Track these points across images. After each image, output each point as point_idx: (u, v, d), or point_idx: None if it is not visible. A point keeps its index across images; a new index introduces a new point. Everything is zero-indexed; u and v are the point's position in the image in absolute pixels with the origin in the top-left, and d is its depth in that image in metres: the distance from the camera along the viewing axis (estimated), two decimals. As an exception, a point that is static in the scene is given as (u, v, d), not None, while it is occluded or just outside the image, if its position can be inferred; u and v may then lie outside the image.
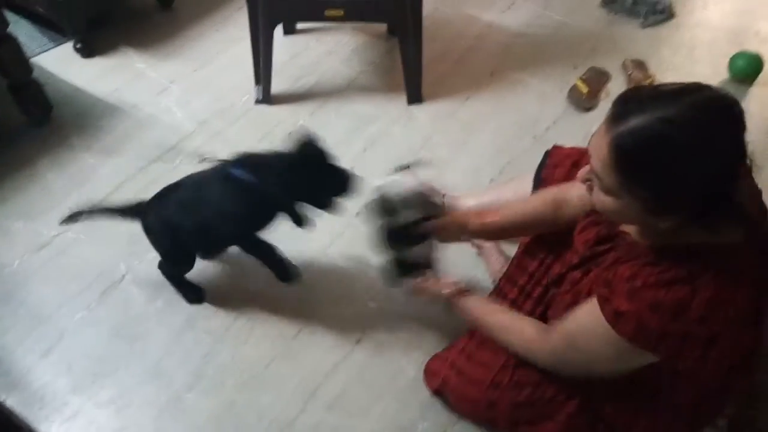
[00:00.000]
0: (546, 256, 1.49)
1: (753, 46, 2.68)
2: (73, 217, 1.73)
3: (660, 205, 1.00)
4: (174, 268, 1.80)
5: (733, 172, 0.98)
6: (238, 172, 1.56)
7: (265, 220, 1.66)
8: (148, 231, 1.70)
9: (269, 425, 1.58)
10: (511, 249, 1.83)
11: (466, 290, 1.47)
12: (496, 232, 1.59)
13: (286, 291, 1.85)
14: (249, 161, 1.59)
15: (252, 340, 1.75)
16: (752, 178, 1.14)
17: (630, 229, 1.19)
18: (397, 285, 1.60)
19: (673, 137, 0.93)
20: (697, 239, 1.03)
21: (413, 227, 1.47)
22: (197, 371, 1.69)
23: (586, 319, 1.15)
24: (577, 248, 1.31)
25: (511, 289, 1.51)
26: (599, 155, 1.01)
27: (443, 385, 1.50)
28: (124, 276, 1.89)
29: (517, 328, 1.33)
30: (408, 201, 1.45)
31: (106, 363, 1.70)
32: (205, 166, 1.66)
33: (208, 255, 1.85)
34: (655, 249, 1.08)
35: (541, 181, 1.65)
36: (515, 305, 1.46)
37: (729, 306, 1.00)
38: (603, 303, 1.10)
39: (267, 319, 1.80)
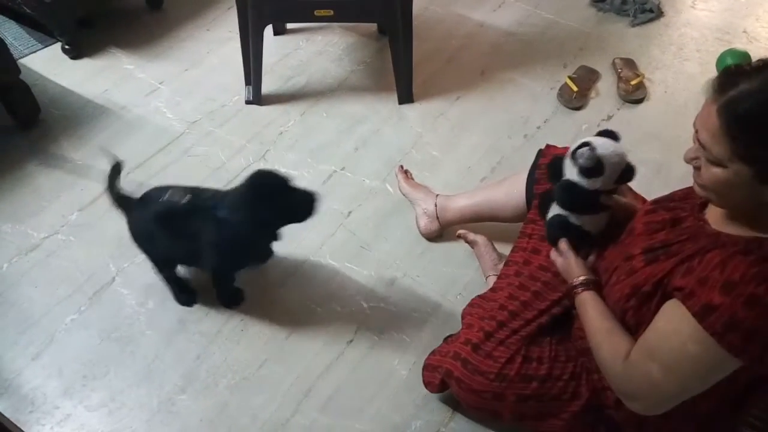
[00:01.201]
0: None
1: (741, 45, 2.71)
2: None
3: None
4: (158, 267, 1.80)
5: None
6: (223, 213, 1.57)
7: (244, 255, 1.70)
8: (130, 228, 1.72)
9: (262, 426, 1.58)
10: (505, 247, 1.84)
11: (594, 284, 1.35)
12: None
13: (277, 292, 1.85)
14: (225, 200, 1.60)
15: (244, 342, 1.75)
16: None
17: (714, 218, 1.14)
18: (555, 244, 1.46)
19: None
20: None
21: (606, 196, 1.38)
22: (189, 373, 1.68)
23: (665, 322, 1.09)
24: (635, 229, 1.26)
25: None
26: (707, 125, 1.01)
27: (447, 376, 1.47)
28: (114, 278, 1.88)
29: (616, 338, 1.23)
30: (615, 168, 1.34)
31: (97, 366, 1.69)
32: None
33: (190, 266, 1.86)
34: (746, 239, 1.04)
35: (535, 181, 1.65)
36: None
37: None
38: (687, 296, 1.04)
39: (259, 320, 1.79)
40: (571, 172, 1.36)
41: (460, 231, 1.87)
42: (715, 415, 1.24)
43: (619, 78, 2.55)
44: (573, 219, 1.41)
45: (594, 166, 1.31)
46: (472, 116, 2.44)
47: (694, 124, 1.06)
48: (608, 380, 1.24)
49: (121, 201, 1.71)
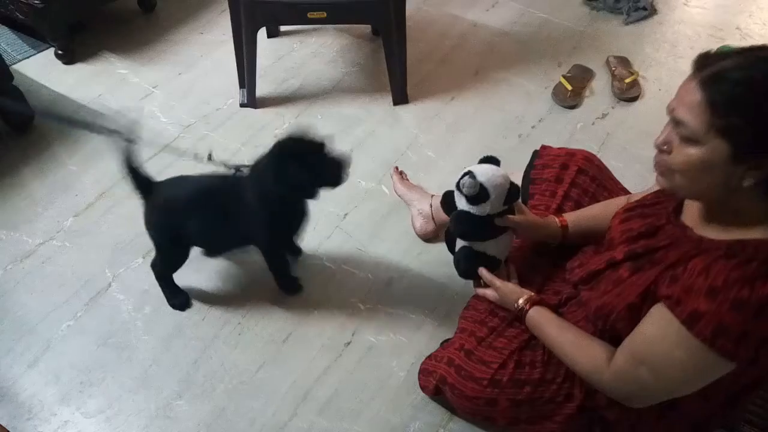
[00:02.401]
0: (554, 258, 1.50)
1: (735, 42, 2.71)
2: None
3: (752, 140, 0.97)
4: (165, 262, 1.77)
5: None
6: (257, 184, 1.56)
7: (282, 222, 1.67)
8: (150, 214, 1.66)
9: (260, 430, 1.58)
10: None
11: (538, 300, 1.39)
12: (574, 236, 1.51)
13: (274, 296, 1.84)
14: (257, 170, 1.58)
15: (241, 346, 1.74)
16: None
17: (693, 222, 1.13)
18: (468, 277, 1.53)
19: None
20: None
21: (499, 218, 1.42)
22: (187, 378, 1.67)
23: (652, 328, 1.09)
24: (614, 239, 1.26)
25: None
26: (686, 100, 1.00)
27: (441, 382, 1.48)
28: (110, 284, 1.88)
29: (587, 349, 1.24)
30: (500, 191, 1.39)
31: (94, 372, 1.69)
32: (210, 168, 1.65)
33: (213, 253, 1.86)
34: (728, 243, 1.03)
35: (530, 181, 1.65)
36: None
37: None
38: (674, 304, 1.04)
39: (256, 324, 1.79)
40: (460, 203, 1.42)
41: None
42: (710, 414, 1.24)
43: (614, 76, 2.55)
44: (477, 247, 1.47)
45: (478, 193, 1.36)
46: (467, 116, 2.44)
47: (668, 107, 1.05)
48: (597, 388, 1.25)
49: (141, 183, 1.63)
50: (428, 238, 1.97)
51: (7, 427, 1.53)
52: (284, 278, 1.84)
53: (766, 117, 0.95)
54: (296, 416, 1.60)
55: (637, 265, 1.16)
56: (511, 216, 1.43)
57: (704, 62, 1.01)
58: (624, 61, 2.61)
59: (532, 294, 1.39)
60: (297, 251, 1.94)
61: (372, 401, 1.63)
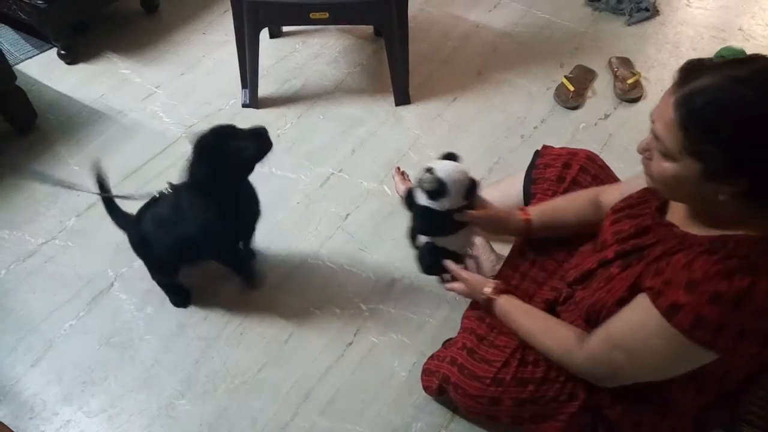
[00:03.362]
0: (549, 256, 1.50)
1: (737, 43, 2.71)
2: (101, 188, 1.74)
3: (722, 165, 0.98)
4: (161, 277, 1.81)
5: None
6: (186, 193, 1.57)
7: (230, 224, 1.66)
8: (131, 244, 1.74)
9: (262, 430, 1.58)
10: (503, 248, 1.84)
11: (505, 289, 1.41)
12: (539, 230, 1.52)
13: (276, 295, 1.85)
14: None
15: (243, 345, 1.74)
16: None
17: (679, 219, 1.15)
18: (432, 273, 1.57)
19: (743, 94, 0.94)
20: (756, 230, 1.02)
21: (459, 213, 1.44)
22: (189, 378, 1.68)
23: (632, 315, 1.11)
24: (606, 241, 1.27)
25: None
26: (663, 116, 1.02)
27: (444, 381, 1.48)
28: (112, 283, 1.88)
29: (556, 333, 1.28)
30: (458, 186, 1.41)
31: (97, 371, 1.69)
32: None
33: (188, 265, 1.84)
34: (710, 239, 1.05)
35: (532, 181, 1.65)
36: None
37: None
38: (655, 295, 1.06)
39: (258, 323, 1.79)
40: (421, 198, 1.43)
41: (458, 233, 1.87)
42: (710, 411, 1.25)
43: (616, 77, 2.55)
44: (439, 242, 1.50)
45: (438, 188, 1.38)
46: (469, 117, 2.44)
47: (651, 114, 1.06)
48: (569, 369, 1.28)
49: (120, 222, 1.76)
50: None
51: (9, 427, 1.54)
52: (244, 270, 1.84)
53: (735, 142, 0.96)
54: (298, 416, 1.60)
55: (627, 262, 1.18)
56: (470, 211, 1.45)
57: (684, 77, 1.01)
58: (626, 62, 2.61)
59: (498, 282, 1.41)
60: (251, 254, 1.91)
61: (374, 401, 1.63)
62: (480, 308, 1.51)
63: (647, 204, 1.24)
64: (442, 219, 1.44)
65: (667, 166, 1.04)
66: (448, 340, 1.59)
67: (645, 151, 1.09)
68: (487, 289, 1.40)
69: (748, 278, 0.97)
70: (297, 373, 1.69)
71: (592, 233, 1.39)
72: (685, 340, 1.02)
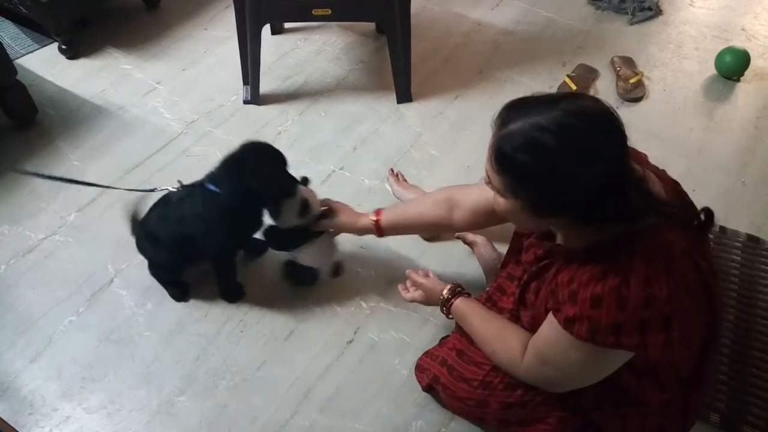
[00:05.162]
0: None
1: (740, 42, 2.70)
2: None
3: (540, 205, 1.05)
4: (165, 275, 1.82)
5: (612, 175, 1.01)
6: (211, 187, 1.59)
7: (242, 229, 1.70)
8: (138, 247, 1.77)
9: (262, 428, 1.57)
10: (505, 247, 1.84)
11: (464, 292, 1.46)
12: (389, 230, 1.65)
13: (276, 293, 1.84)
14: (212, 176, 1.62)
15: (243, 343, 1.74)
16: (650, 164, 1.19)
17: (560, 238, 1.22)
18: (302, 283, 1.82)
19: (543, 142, 0.99)
20: (619, 230, 1.05)
21: (306, 229, 1.65)
22: (188, 375, 1.67)
23: (548, 333, 1.16)
24: (525, 264, 1.32)
25: (500, 297, 1.51)
26: (489, 156, 1.08)
27: (434, 381, 1.49)
28: (112, 279, 1.87)
29: (505, 343, 1.31)
30: (287, 206, 1.58)
31: (96, 367, 1.69)
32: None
33: (190, 265, 1.85)
34: (584, 251, 1.09)
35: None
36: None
37: (667, 282, 1.00)
38: (555, 313, 1.12)
39: (258, 321, 1.79)
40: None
41: (458, 232, 1.87)
42: (687, 400, 1.26)
43: (618, 76, 2.54)
44: (297, 256, 1.72)
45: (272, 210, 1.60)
46: (471, 115, 2.43)
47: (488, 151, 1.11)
48: (515, 378, 1.32)
49: (133, 227, 1.77)
50: (430, 237, 1.97)
51: (8, 422, 1.54)
52: (227, 285, 1.83)
53: (548, 187, 1.02)
54: (298, 414, 1.60)
55: (537, 285, 1.24)
56: (326, 220, 1.66)
57: (503, 120, 1.06)
58: (628, 61, 2.60)
59: (456, 284, 1.47)
60: (260, 251, 1.94)
61: (374, 400, 1.63)
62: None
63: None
64: (289, 234, 1.65)
65: (500, 202, 1.12)
66: (444, 337, 1.60)
67: (488, 184, 1.14)
68: (446, 292, 1.46)
69: (618, 275, 1.01)
70: (297, 370, 1.68)
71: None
72: (594, 347, 1.06)
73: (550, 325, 1.15)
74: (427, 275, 1.56)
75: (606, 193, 1.00)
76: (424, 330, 1.76)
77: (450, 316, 1.48)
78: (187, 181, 1.68)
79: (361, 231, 1.68)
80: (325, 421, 1.59)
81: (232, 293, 1.83)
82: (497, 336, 1.34)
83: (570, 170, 1.00)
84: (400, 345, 1.73)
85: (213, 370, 1.68)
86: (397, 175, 2.11)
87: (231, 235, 1.67)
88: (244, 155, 1.59)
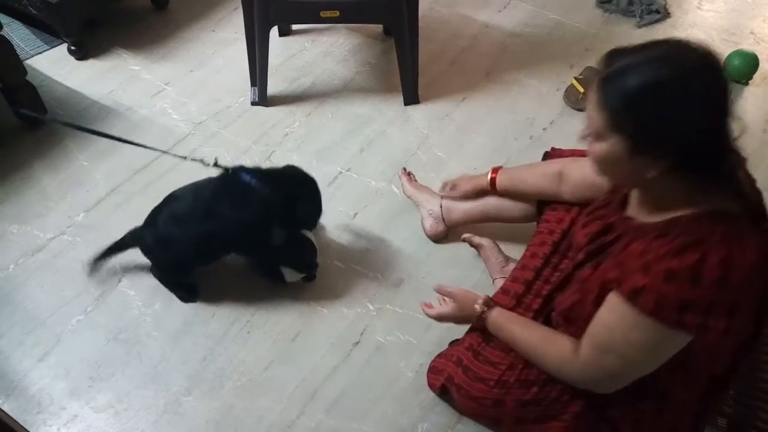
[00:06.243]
0: (551, 255, 1.51)
1: (748, 46, 2.70)
2: (94, 268, 1.85)
3: (643, 139, 1.03)
4: (172, 276, 1.83)
5: (717, 122, 1.01)
6: (247, 177, 1.63)
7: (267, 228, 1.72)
8: (148, 252, 1.78)
9: (268, 428, 1.58)
10: (511, 249, 1.84)
11: (496, 303, 1.42)
12: (502, 191, 1.75)
13: (283, 294, 1.85)
14: (254, 170, 1.69)
15: (250, 343, 1.74)
16: (745, 168, 1.16)
17: (635, 212, 1.19)
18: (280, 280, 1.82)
19: (657, 73, 0.99)
20: (700, 207, 1.05)
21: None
22: (195, 375, 1.68)
23: (607, 316, 1.13)
24: (580, 243, 1.29)
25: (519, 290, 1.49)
26: (591, 96, 1.07)
27: (448, 381, 1.48)
28: (120, 279, 1.88)
29: (553, 343, 1.28)
30: None
31: (104, 367, 1.69)
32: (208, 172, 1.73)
33: (206, 263, 1.85)
34: (662, 224, 1.08)
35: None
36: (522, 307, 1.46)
37: (741, 267, 0.99)
38: (618, 285, 1.09)
39: (265, 322, 1.79)
40: None
41: (465, 235, 1.87)
42: (706, 402, 1.25)
43: (626, 79, 2.54)
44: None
45: None
46: (478, 117, 2.43)
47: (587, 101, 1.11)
48: (566, 380, 1.28)
49: (127, 241, 1.80)
50: (438, 238, 1.97)
51: (17, 421, 1.54)
52: (276, 272, 1.83)
53: (654, 119, 1.01)
54: (304, 415, 1.60)
55: (596, 262, 1.22)
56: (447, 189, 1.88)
57: (608, 60, 1.06)
58: (636, 64, 2.60)
59: (487, 296, 1.44)
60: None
61: (380, 401, 1.63)
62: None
63: (611, 204, 1.28)
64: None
65: (599, 147, 1.09)
66: (454, 341, 1.59)
67: (584, 136, 1.13)
68: (479, 302, 1.41)
69: (697, 252, 1.00)
70: (303, 371, 1.69)
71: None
72: (657, 324, 1.05)
73: (609, 307, 1.12)
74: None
75: (708, 137, 1.00)
76: (431, 332, 1.75)
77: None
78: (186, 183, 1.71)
79: (476, 188, 1.82)
80: (331, 422, 1.59)
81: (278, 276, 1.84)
82: (544, 338, 1.31)
83: (680, 103, 0.99)
84: (406, 347, 1.73)
85: (220, 370, 1.69)
86: (409, 174, 2.11)
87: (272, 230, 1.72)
88: (298, 172, 1.78)
